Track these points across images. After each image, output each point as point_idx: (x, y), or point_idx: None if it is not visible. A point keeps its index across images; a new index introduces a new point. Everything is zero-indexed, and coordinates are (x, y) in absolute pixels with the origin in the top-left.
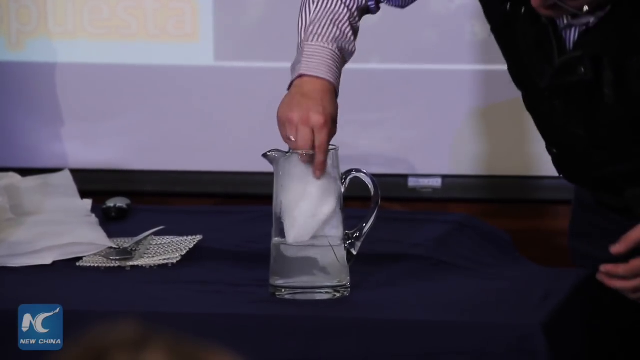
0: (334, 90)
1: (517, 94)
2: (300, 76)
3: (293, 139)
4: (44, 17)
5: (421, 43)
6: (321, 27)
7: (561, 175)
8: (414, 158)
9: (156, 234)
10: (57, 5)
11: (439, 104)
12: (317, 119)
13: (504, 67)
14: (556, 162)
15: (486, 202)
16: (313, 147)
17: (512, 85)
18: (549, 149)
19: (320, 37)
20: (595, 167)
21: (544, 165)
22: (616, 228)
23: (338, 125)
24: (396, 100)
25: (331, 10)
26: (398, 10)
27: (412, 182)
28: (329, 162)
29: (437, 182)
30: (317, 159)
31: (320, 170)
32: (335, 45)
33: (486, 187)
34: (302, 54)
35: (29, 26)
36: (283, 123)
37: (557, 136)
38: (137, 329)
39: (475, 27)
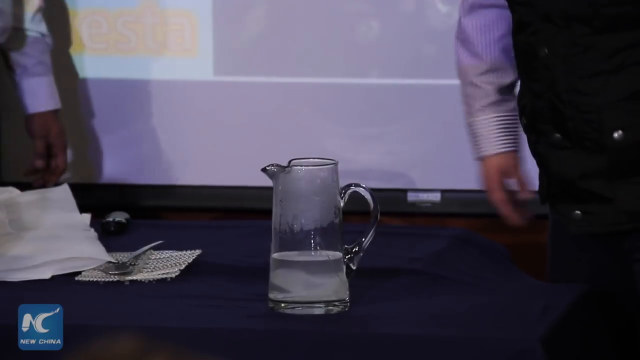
0: None
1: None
2: None
3: None
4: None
5: (420, 58)
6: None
7: (533, 137)
8: (413, 173)
9: (155, 248)
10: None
11: (438, 118)
12: None
13: None
14: (538, 103)
15: (485, 217)
16: None
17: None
18: (532, 83)
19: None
20: (584, 94)
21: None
22: (597, 269)
23: (338, 138)
24: (395, 115)
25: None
26: (397, 25)
27: (411, 196)
28: (329, 176)
29: (436, 197)
30: None
31: None
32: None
33: (485, 201)
34: None
35: None
36: None
37: (556, 42)
38: (138, 343)
39: None
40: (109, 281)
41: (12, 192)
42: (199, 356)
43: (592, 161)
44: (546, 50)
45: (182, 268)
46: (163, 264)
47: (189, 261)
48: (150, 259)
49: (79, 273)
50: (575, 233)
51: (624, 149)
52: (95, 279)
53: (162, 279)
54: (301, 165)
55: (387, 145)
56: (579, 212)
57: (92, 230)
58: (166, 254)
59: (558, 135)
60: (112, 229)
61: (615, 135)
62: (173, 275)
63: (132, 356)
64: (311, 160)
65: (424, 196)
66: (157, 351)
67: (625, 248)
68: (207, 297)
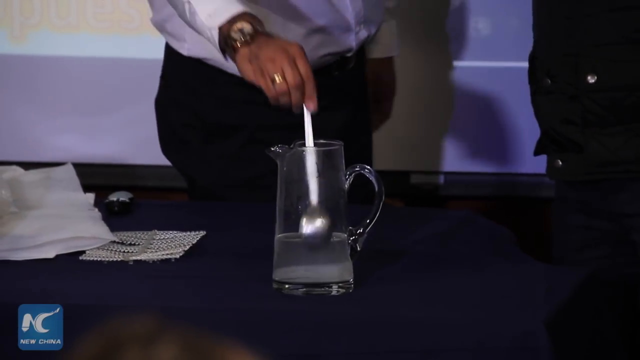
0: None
1: (520, 91)
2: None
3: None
4: (47, 10)
5: (424, 39)
6: None
7: (533, 87)
8: (417, 155)
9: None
10: None
11: (442, 100)
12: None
13: (507, 64)
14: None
15: (489, 199)
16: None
17: (515, 82)
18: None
19: None
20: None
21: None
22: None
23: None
24: (399, 96)
25: None
26: (402, 6)
27: (414, 178)
28: (334, 157)
29: (439, 179)
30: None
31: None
32: None
33: (489, 184)
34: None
35: (31, 19)
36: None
37: None
38: (151, 322)
39: (478, 23)
40: (112, 261)
41: (15, 171)
42: (211, 336)
43: (571, 106)
44: None
45: (186, 249)
46: (167, 244)
47: (193, 242)
48: (154, 239)
49: (83, 252)
50: (553, 180)
51: (597, 94)
52: (99, 259)
53: (166, 259)
54: (306, 147)
55: (390, 127)
56: (560, 160)
57: (96, 209)
58: (170, 234)
59: (548, 79)
60: (115, 208)
61: (590, 79)
62: (177, 256)
63: (143, 336)
64: (316, 141)
65: (427, 178)
66: (169, 331)
67: (621, 211)
68: (211, 278)
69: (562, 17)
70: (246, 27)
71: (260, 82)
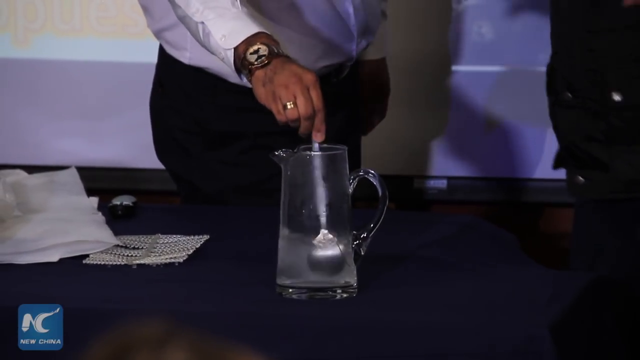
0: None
1: (525, 96)
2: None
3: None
4: (51, 14)
5: (427, 44)
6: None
7: (552, 98)
8: (420, 159)
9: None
10: (64, 3)
11: (445, 105)
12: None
13: (511, 68)
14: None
15: (492, 204)
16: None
17: (518, 87)
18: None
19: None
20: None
21: (550, 168)
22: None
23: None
24: (402, 101)
25: None
26: (404, 10)
27: (417, 183)
28: (338, 162)
29: (442, 184)
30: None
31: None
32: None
33: (492, 189)
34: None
35: (35, 23)
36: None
37: None
38: (161, 326)
39: (482, 28)
40: (116, 264)
41: (19, 175)
42: (221, 340)
43: (594, 123)
44: (566, 4)
45: (189, 253)
46: (171, 248)
47: (197, 246)
48: (157, 243)
49: (87, 256)
50: (575, 196)
51: (623, 111)
52: (102, 263)
53: (169, 263)
54: (310, 151)
55: (393, 131)
56: (581, 177)
57: (100, 213)
58: (174, 238)
59: (569, 94)
60: (119, 212)
61: (615, 96)
62: (181, 260)
63: (153, 340)
64: (320, 145)
65: (430, 183)
66: (179, 335)
67: None
68: (214, 282)
69: (584, 30)
70: (262, 48)
71: (272, 106)
